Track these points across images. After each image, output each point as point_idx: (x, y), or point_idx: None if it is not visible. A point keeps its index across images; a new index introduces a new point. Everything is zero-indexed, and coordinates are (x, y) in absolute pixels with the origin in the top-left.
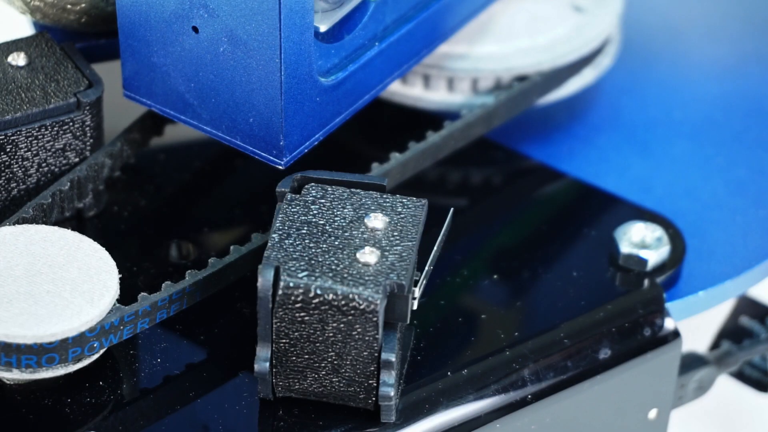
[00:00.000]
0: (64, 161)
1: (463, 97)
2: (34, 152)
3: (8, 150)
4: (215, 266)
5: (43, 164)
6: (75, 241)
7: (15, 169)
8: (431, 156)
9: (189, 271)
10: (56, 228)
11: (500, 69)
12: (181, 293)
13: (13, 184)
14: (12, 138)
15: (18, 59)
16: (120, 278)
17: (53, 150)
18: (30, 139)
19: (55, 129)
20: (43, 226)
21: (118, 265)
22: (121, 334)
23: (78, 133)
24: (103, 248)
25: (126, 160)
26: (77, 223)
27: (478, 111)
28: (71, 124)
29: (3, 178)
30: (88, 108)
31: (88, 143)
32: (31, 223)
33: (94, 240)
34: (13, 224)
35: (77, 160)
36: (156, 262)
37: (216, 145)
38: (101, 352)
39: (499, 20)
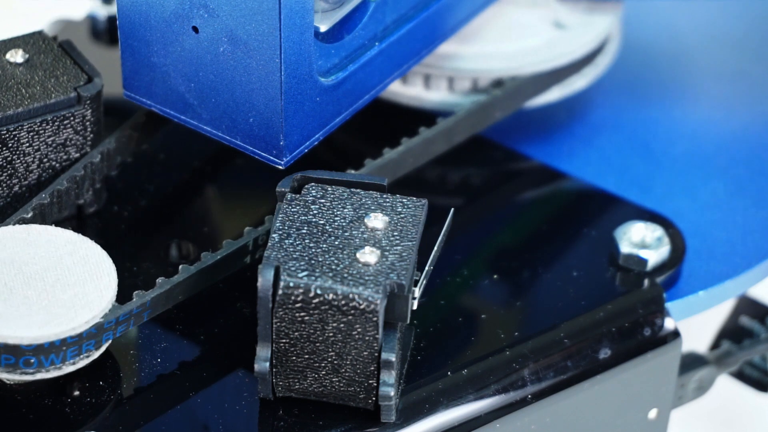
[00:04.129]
0: (64, 156)
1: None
2: (36, 147)
3: (10, 145)
4: (187, 272)
5: (44, 159)
6: (82, 248)
7: (17, 165)
8: (411, 162)
9: (159, 279)
10: (72, 234)
11: (451, 68)
12: (156, 300)
13: (15, 180)
14: (14, 133)
15: (16, 56)
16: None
17: (54, 145)
18: (31, 134)
19: (56, 124)
20: (58, 229)
21: (116, 263)
22: (100, 341)
23: (78, 128)
24: (111, 261)
25: (124, 158)
26: (78, 222)
27: (438, 126)
28: (72, 118)
29: (5, 174)
30: (88, 102)
31: (88, 138)
32: (32, 221)
33: (94, 238)
34: (14, 224)
35: (77, 155)
36: (154, 261)
37: (216, 144)
38: (91, 357)
39: (475, 23)
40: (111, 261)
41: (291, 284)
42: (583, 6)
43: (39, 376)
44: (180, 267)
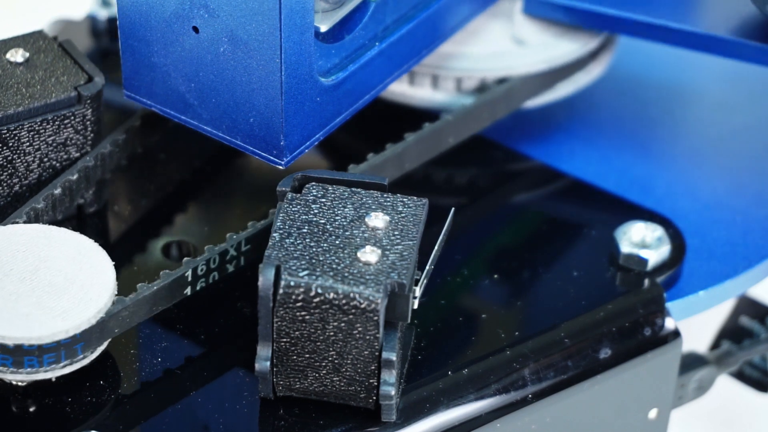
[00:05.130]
0: (65, 156)
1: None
2: (36, 147)
3: (11, 145)
4: (182, 270)
5: (45, 159)
6: (81, 247)
7: (17, 165)
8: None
9: (139, 284)
10: (70, 233)
11: None
12: (89, 333)
13: (15, 180)
14: (14, 132)
15: (16, 56)
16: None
17: (54, 144)
18: (32, 133)
19: (57, 123)
20: (55, 228)
21: (116, 263)
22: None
23: (79, 128)
24: (110, 260)
25: (119, 161)
26: (78, 221)
27: (386, 152)
28: (72, 118)
29: (5, 173)
30: (88, 101)
31: (88, 137)
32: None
33: (94, 237)
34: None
35: (78, 154)
36: (154, 261)
37: (216, 144)
38: (88, 359)
39: None
40: (110, 260)
41: (292, 283)
42: (555, 30)
43: (40, 375)
44: (115, 298)
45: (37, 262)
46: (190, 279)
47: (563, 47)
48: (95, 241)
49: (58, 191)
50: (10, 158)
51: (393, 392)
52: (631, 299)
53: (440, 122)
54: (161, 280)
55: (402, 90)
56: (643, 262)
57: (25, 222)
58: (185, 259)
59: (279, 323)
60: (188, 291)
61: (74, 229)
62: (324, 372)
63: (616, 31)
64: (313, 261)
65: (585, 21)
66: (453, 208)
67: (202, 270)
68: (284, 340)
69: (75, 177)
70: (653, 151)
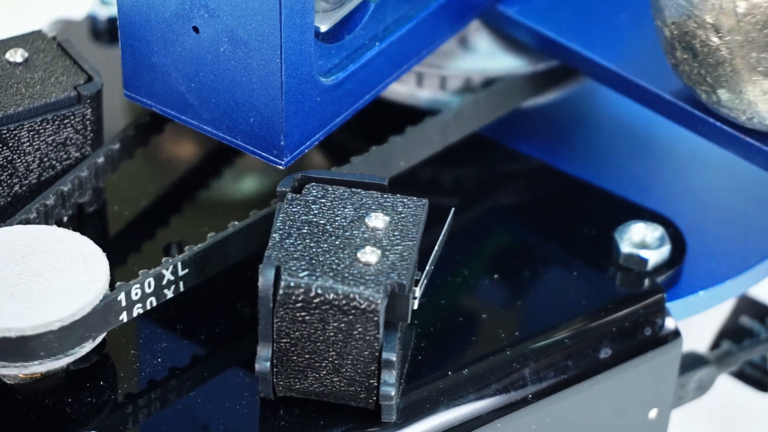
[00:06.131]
0: (64, 156)
1: None
2: (36, 147)
3: (11, 145)
4: (115, 294)
5: (45, 159)
6: (79, 245)
7: (17, 164)
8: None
9: (118, 284)
10: (69, 232)
11: None
12: (58, 333)
13: (15, 180)
14: (14, 132)
15: (15, 56)
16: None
17: (54, 144)
18: (32, 133)
19: (56, 123)
20: (54, 228)
21: (116, 262)
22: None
23: (79, 127)
24: (105, 257)
25: (126, 159)
26: (78, 221)
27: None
28: (72, 117)
29: (5, 173)
30: (88, 101)
31: (88, 137)
32: (36, 220)
33: (94, 237)
34: (17, 224)
35: (77, 154)
36: (154, 260)
37: (216, 144)
38: (86, 349)
39: None
40: (105, 257)
41: (292, 284)
42: (508, 44)
43: (36, 368)
44: (116, 284)
45: (40, 268)
46: (124, 304)
47: (507, 61)
48: (96, 243)
49: (51, 201)
50: (10, 158)
51: (393, 392)
52: (631, 299)
53: (388, 145)
54: (105, 299)
55: None
56: (643, 262)
57: (35, 217)
58: (118, 283)
59: (279, 324)
60: (124, 317)
61: (74, 229)
62: (324, 372)
63: (557, 57)
64: (313, 261)
65: (531, 39)
66: (453, 208)
67: (136, 294)
68: (284, 340)
69: (85, 173)
70: (653, 151)
